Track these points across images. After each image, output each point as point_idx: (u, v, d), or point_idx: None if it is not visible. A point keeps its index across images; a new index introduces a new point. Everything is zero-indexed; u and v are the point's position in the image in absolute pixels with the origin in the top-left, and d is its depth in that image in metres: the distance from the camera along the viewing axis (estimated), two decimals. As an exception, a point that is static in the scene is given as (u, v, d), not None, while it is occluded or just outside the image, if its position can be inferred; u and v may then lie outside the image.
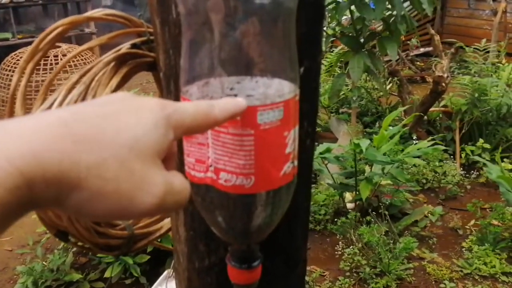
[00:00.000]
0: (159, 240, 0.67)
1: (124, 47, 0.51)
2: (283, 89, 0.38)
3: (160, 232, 0.63)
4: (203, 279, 0.53)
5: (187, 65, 0.39)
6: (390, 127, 2.65)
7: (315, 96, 0.51)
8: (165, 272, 1.31)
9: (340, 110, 4.08)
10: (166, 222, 0.64)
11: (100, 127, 0.25)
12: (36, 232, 2.55)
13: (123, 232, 0.58)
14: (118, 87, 0.48)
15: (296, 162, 0.41)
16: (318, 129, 3.86)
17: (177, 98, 0.50)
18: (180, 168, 0.40)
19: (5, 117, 0.49)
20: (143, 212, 0.27)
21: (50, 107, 0.46)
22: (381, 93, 3.97)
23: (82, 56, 3.71)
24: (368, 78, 4.24)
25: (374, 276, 2.23)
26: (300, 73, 0.47)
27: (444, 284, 2.20)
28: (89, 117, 0.25)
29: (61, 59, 3.36)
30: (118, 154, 0.25)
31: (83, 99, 0.46)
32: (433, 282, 2.24)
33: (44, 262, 2.28)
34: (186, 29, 0.39)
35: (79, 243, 0.54)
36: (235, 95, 0.37)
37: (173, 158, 0.33)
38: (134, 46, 0.52)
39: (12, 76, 3.73)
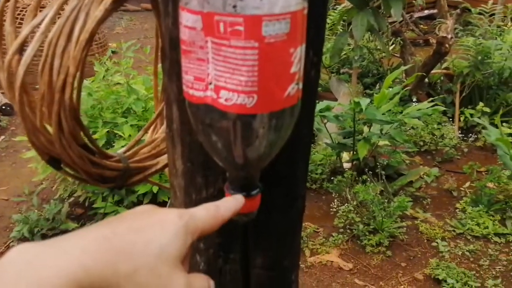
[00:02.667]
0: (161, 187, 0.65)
1: (120, -36, 0.48)
2: (290, 1, 0.35)
3: (156, 167, 0.61)
4: (199, 211, 0.52)
5: (187, -25, 0.36)
6: (391, 88, 2.62)
7: (322, 23, 0.48)
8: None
9: (341, 70, 4.02)
10: (163, 158, 0.62)
11: (133, 241, 0.31)
12: (32, 182, 2.56)
13: (118, 164, 0.56)
14: (112, 5, 0.45)
15: (301, 85, 0.39)
16: (318, 88, 3.82)
17: (175, 20, 0.47)
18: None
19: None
20: None
21: (41, 22, 0.43)
22: (383, 54, 3.90)
23: None
24: (371, 39, 4.16)
25: (367, 233, 2.26)
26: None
27: (436, 242, 2.23)
28: (124, 233, 0.32)
29: None
30: (148, 262, 0.31)
31: (77, 15, 0.43)
32: (425, 241, 2.27)
33: (40, 212, 2.29)
34: None
35: (72, 172, 0.52)
36: (238, 13, 0.34)
37: (188, 253, 0.38)
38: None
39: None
